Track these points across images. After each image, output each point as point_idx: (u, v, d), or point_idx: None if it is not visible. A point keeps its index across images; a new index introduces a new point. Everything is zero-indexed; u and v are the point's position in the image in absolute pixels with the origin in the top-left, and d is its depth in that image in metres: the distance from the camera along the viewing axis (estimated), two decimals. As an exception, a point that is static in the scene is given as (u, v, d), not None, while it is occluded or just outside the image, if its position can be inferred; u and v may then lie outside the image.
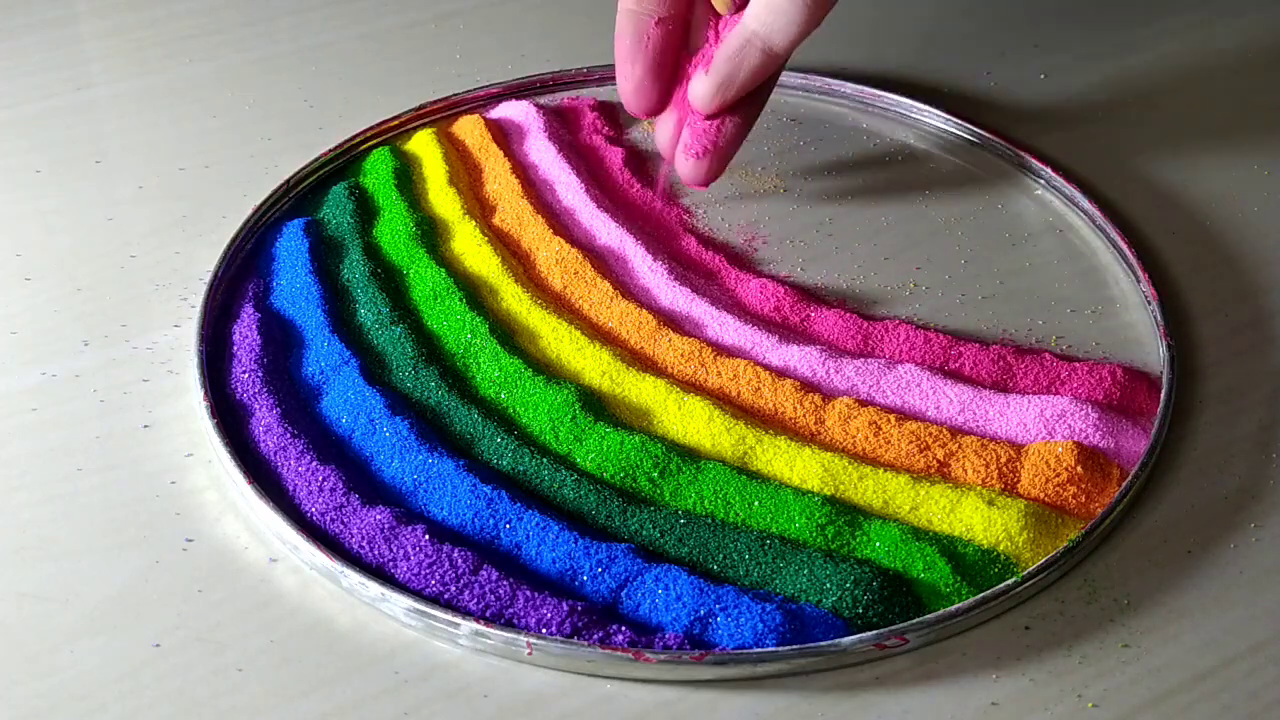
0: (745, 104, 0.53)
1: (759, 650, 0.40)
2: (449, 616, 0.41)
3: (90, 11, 0.73)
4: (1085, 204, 0.57)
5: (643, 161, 0.61)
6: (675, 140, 0.54)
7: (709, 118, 0.53)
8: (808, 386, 0.49)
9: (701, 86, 0.52)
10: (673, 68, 0.53)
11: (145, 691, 0.40)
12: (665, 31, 0.52)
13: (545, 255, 0.55)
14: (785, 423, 0.48)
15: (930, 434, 0.47)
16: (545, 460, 0.46)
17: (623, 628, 0.41)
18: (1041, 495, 0.45)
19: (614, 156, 0.60)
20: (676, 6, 0.53)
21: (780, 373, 0.50)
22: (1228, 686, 0.41)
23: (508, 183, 0.58)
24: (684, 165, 0.54)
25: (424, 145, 0.61)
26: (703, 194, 0.58)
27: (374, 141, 0.61)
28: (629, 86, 0.54)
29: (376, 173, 0.59)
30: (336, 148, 0.60)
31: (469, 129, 0.62)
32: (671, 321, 0.52)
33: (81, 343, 0.52)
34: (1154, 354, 0.51)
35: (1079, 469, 0.45)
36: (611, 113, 0.64)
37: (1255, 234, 0.57)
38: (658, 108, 0.54)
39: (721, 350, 0.51)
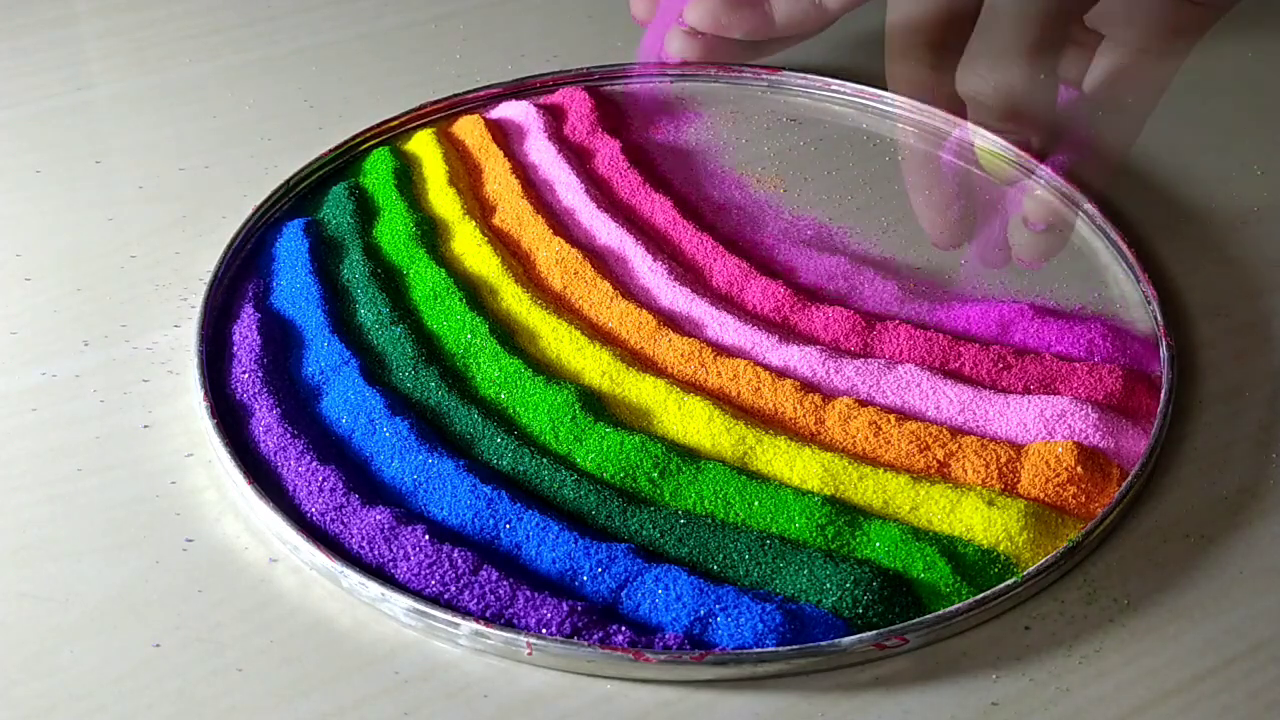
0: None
1: (759, 650, 0.40)
2: (449, 616, 0.41)
3: (90, 11, 0.73)
4: (1085, 204, 0.57)
5: (639, 153, 0.61)
6: (1005, 249, 0.49)
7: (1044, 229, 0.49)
8: (808, 386, 0.49)
9: (1036, 205, 0.47)
10: (971, 197, 0.50)
11: (145, 691, 0.40)
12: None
13: (545, 255, 0.55)
14: (785, 423, 0.48)
15: (930, 434, 0.47)
16: (545, 460, 0.46)
17: (623, 628, 0.41)
18: (1041, 495, 0.45)
19: (611, 148, 0.60)
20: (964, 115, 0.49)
21: (780, 373, 0.50)
22: (1228, 686, 0.41)
23: (508, 183, 0.58)
24: (1027, 246, 0.49)
25: (424, 145, 0.61)
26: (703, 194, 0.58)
27: (374, 141, 0.61)
28: (934, 215, 0.50)
29: (376, 173, 0.59)
30: (336, 148, 0.60)
31: (469, 129, 0.62)
32: (671, 321, 0.52)
33: (81, 343, 0.52)
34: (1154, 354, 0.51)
35: (1079, 469, 0.45)
36: (608, 107, 0.64)
37: (1255, 234, 0.57)
38: (970, 231, 0.50)
39: (721, 350, 0.51)
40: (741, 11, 0.50)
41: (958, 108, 0.48)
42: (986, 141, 0.47)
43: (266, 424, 0.47)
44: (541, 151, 0.61)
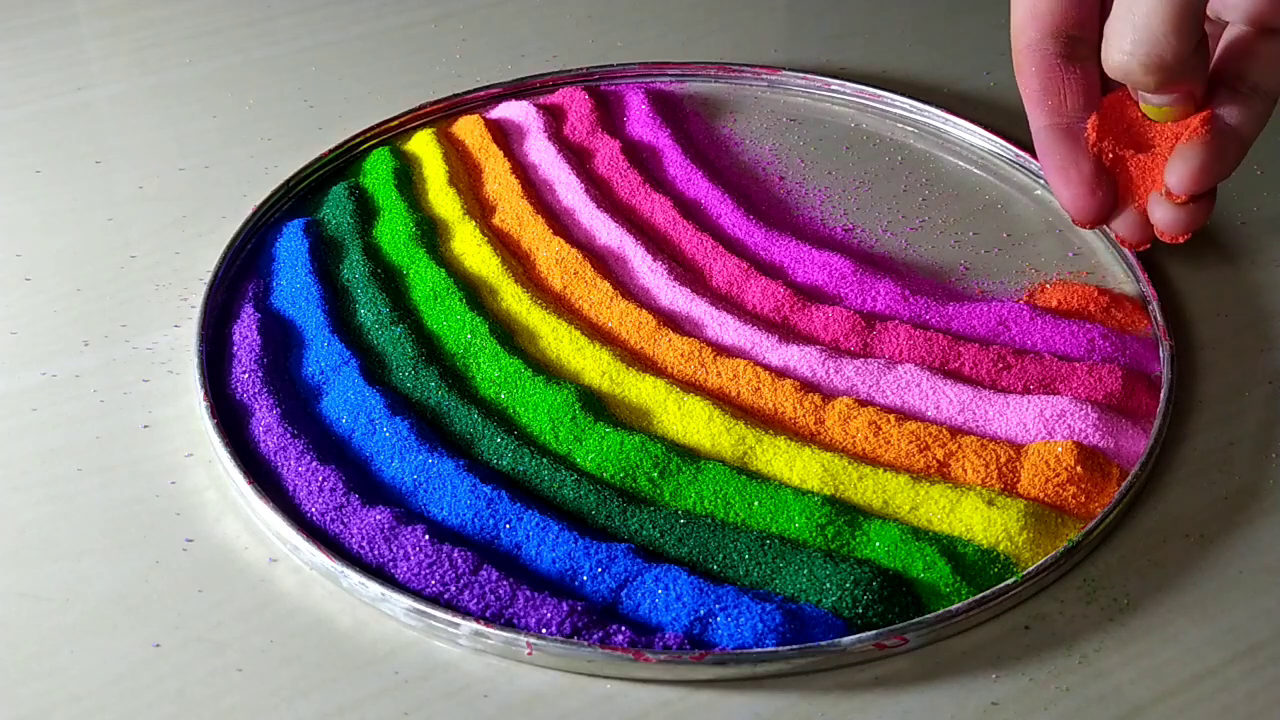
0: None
1: (759, 650, 0.40)
2: (449, 616, 0.41)
3: (90, 11, 0.73)
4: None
5: (638, 153, 0.61)
6: (1146, 225, 0.49)
7: (1185, 202, 0.48)
8: (808, 386, 0.49)
9: (1180, 174, 0.47)
10: (1109, 167, 0.49)
11: (145, 691, 0.40)
12: (1099, 131, 0.48)
13: (545, 255, 0.55)
14: (785, 423, 0.48)
15: (930, 434, 0.47)
16: (545, 460, 0.46)
17: (623, 628, 0.41)
18: (1041, 495, 0.45)
19: (611, 148, 0.60)
20: (1096, 101, 0.49)
21: (780, 373, 0.50)
22: (1228, 686, 0.41)
23: (507, 183, 0.58)
24: (1166, 214, 0.48)
25: (424, 145, 0.61)
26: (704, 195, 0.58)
27: (374, 141, 0.61)
28: (1080, 193, 0.49)
29: (376, 173, 0.59)
30: (336, 148, 0.60)
31: (469, 129, 0.62)
32: (671, 321, 0.52)
33: (81, 343, 0.52)
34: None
35: (1079, 469, 0.45)
36: (606, 104, 0.64)
37: (1255, 234, 0.57)
38: (1113, 207, 0.49)
39: (721, 350, 0.51)
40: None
41: (1089, 100, 0.48)
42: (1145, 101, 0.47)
43: (266, 424, 0.47)
44: (541, 151, 0.61)
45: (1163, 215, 0.48)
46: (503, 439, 0.47)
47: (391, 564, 0.43)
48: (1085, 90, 0.49)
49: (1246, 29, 0.46)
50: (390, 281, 0.54)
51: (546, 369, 0.50)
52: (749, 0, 0.74)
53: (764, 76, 0.66)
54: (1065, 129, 0.49)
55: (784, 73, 0.66)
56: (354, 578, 0.42)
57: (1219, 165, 0.47)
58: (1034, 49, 0.49)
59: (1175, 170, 0.47)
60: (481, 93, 0.64)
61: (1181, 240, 0.49)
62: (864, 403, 0.48)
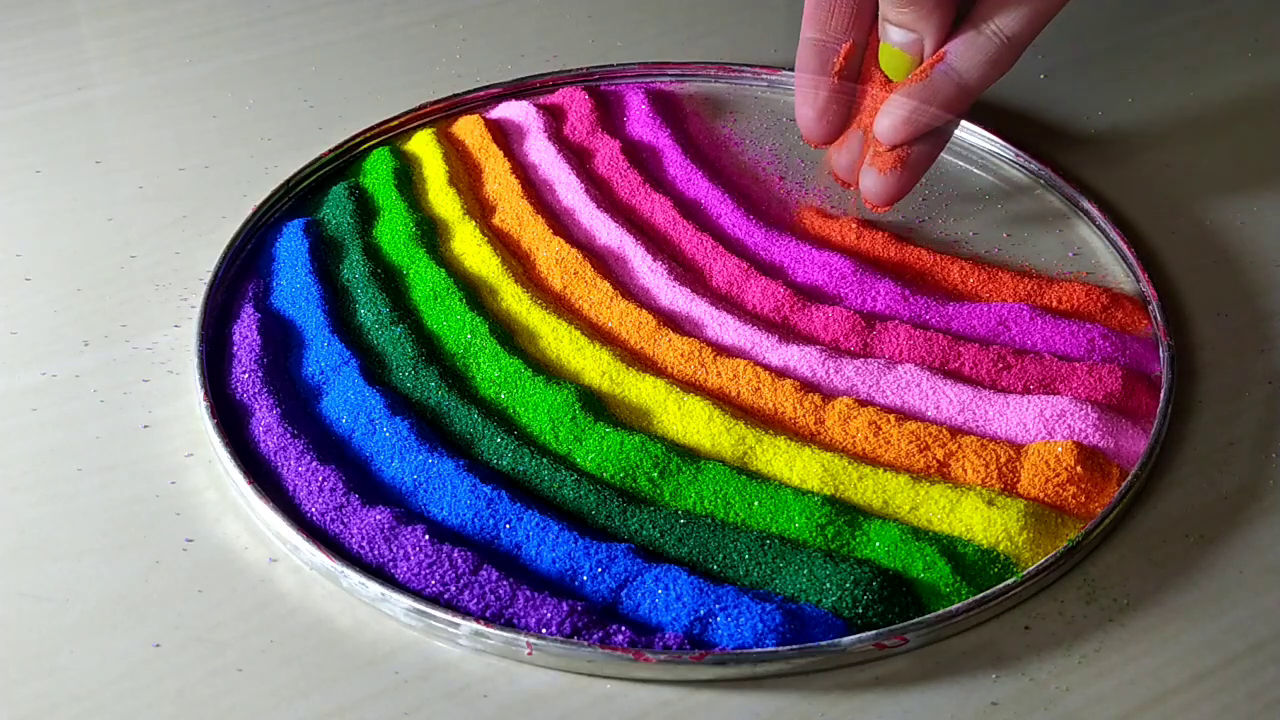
0: (931, 136, 0.51)
1: (759, 650, 0.40)
2: (449, 616, 0.41)
3: (90, 11, 0.73)
4: (1085, 204, 0.57)
5: (638, 153, 0.61)
6: (858, 166, 0.52)
7: (892, 148, 0.51)
8: (808, 386, 0.49)
9: (889, 118, 0.50)
10: (851, 95, 0.52)
11: (145, 691, 0.40)
12: (850, 59, 0.52)
13: (545, 255, 0.55)
14: (785, 423, 0.48)
15: (930, 434, 0.47)
16: (545, 460, 0.46)
17: (623, 628, 0.41)
18: (1041, 495, 0.45)
19: (611, 148, 0.60)
20: (861, 33, 0.52)
21: (780, 373, 0.50)
22: (1228, 686, 0.41)
23: (507, 183, 0.58)
24: (872, 181, 0.52)
25: (424, 145, 0.61)
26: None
27: (374, 141, 0.61)
28: (811, 113, 0.52)
29: (376, 173, 0.59)
30: (336, 148, 0.60)
31: (469, 129, 0.62)
32: (671, 321, 0.52)
33: (81, 343, 0.52)
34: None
35: (1079, 469, 0.45)
36: (606, 104, 0.64)
37: (1255, 234, 0.57)
38: (838, 135, 0.53)
39: (721, 350, 0.51)
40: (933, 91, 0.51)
41: (856, 26, 0.52)
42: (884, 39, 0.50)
43: (266, 424, 0.47)
44: (541, 151, 0.61)
45: (866, 181, 0.51)
46: (503, 439, 0.47)
47: (391, 564, 0.43)
48: (853, 15, 0.51)
49: None
50: (390, 281, 0.54)
51: (546, 369, 0.50)
52: (749, 0, 0.74)
53: (764, 76, 0.66)
54: (824, 47, 0.52)
55: (784, 73, 0.66)
56: (354, 578, 0.42)
57: (927, 111, 0.49)
58: None
59: (882, 115, 0.50)
60: (481, 93, 0.64)
61: (882, 210, 0.52)
62: (864, 403, 0.48)
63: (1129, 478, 0.45)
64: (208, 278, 0.53)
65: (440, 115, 0.63)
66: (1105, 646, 0.42)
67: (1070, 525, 0.44)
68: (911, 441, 0.47)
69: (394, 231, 0.56)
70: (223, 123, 0.64)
